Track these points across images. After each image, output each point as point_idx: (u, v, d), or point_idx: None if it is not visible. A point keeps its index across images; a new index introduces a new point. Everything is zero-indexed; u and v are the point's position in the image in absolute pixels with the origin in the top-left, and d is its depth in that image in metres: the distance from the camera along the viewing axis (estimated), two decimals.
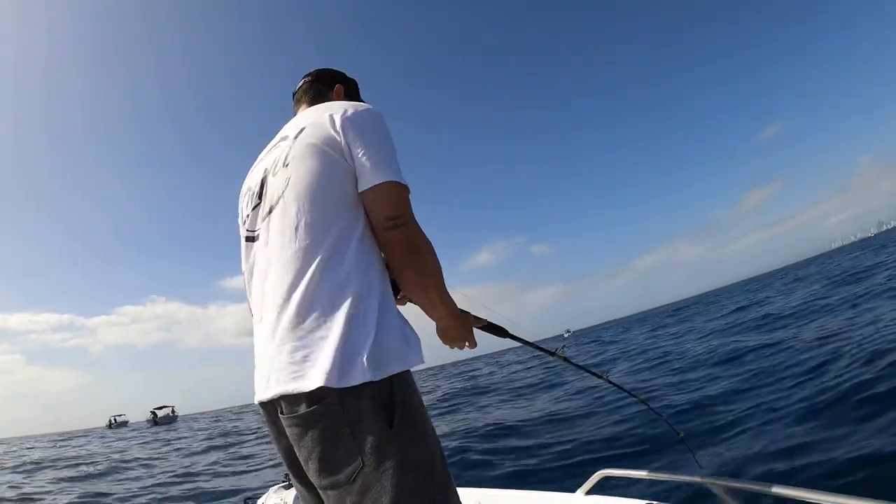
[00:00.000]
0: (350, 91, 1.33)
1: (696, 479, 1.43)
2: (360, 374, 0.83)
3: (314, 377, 0.82)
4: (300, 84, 1.31)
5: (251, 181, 1.11)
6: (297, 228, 0.94)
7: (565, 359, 1.70)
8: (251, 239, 1.05)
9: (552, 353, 1.68)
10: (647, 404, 2.07)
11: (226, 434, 15.84)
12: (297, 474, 0.97)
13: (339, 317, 0.87)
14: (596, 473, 1.74)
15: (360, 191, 0.96)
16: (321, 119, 1.01)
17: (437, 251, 0.99)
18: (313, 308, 0.88)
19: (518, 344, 1.54)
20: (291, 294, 0.90)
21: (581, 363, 1.86)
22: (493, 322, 1.37)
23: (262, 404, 0.97)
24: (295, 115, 1.25)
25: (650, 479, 1.62)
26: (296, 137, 1.02)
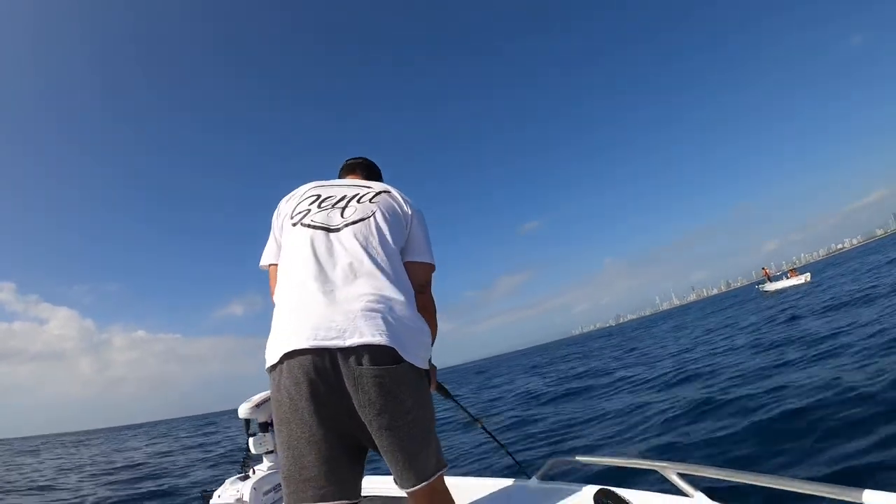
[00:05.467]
0: None
1: (648, 463, 1.47)
2: (424, 363, 1.24)
3: (412, 353, 1.18)
4: (355, 160, 1.68)
5: (320, 192, 1.41)
6: (378, 247, 1.27)
7: (484, 429, 2.13)
8: (311, 226, 1.31)
9: (475, 420, 2.15)
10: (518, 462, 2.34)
11: None
12: (323, 419, 1.13)
13: (422, 324, 1.26)
14: (550, 460, 1.85)
15: (409, 259, 1.36)
16: (398, 196, 1.43)
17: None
18: (405, 303, 1.21)
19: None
20: (384, 287, 1.20)
21: (500, 440, 2.24)
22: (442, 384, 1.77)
23: (313, 350, 1.11)
24: (342, 175, 1.65)
25: (603, 465, 1.68)
26: (380, 192, 1.41)
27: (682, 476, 1.33)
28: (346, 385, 1.11)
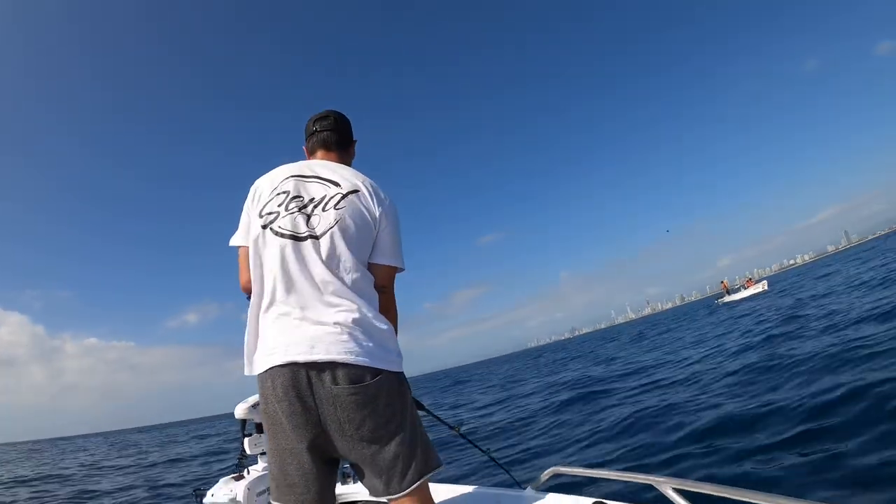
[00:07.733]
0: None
1: (645, 478, 1.46)
2: (399, 365, 1.33)
3: (386, 360, 1.28)
4: (326, 122, 1.56)
5: (291, 188, 1.39)
6: (340, 260, 1.31)
7: (461, 435, 2.11)
8: (279, 234, 1.32)
9: (452, 428, 2.09)
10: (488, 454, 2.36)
11: None
12: (301, 436, 1.22)
13: (389, 327, 1.34)
14: (548, 470, 1.79)
15: (374, 260, 1.39)
16: (367, 196, 1.39)
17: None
18: (370, 314, 1.29)
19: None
20: (350, 297, 1.28)
21: (477, 443, 2.21)
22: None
23: (289, 366, 1.21)
24: (313, 150, 1.57)
25: (600, 478, 1.69)
26: (349, 193, 1.38)
27: (677, 491, 1.35)
28: (324, 404, 1.20)
